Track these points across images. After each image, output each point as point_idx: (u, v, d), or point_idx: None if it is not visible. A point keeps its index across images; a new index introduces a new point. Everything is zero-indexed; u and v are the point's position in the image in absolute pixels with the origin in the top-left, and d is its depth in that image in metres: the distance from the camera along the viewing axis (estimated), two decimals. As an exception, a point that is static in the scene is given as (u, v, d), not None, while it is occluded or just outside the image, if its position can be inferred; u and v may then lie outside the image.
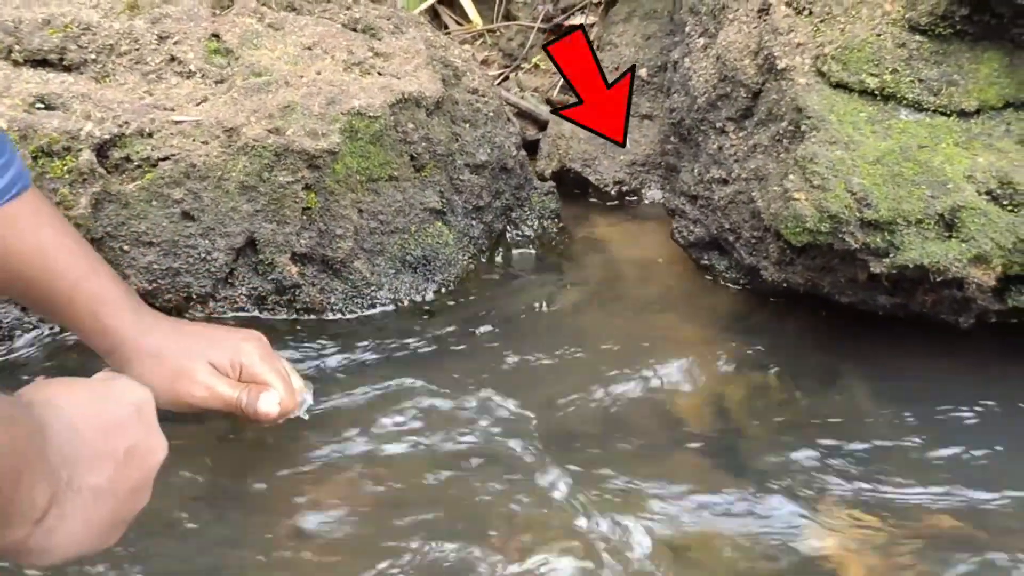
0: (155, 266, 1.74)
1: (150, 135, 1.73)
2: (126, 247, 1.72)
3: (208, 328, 1.47)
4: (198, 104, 1.79)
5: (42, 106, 1.72)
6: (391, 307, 1.88)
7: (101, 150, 1.70)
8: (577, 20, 2.66)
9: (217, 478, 1.50)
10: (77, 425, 0.87)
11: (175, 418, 1.29)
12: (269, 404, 1.35)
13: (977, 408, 1.67)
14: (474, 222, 2.03)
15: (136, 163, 1.72)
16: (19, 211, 1.24)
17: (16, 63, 1.80)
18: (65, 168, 1.67)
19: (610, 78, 2.36)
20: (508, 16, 2.74)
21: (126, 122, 1.72)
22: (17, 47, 1.80)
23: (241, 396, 1.34)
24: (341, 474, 1.53)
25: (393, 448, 1.58)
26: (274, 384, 1.37)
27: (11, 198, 1.22)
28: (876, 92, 1.69)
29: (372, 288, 1.87)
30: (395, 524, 1.43)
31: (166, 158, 1.72)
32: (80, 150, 1.67)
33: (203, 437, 1.55)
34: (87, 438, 0.88)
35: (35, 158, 1.67)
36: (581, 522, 1.43)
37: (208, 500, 1.46)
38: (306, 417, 1.49)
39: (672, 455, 1.59)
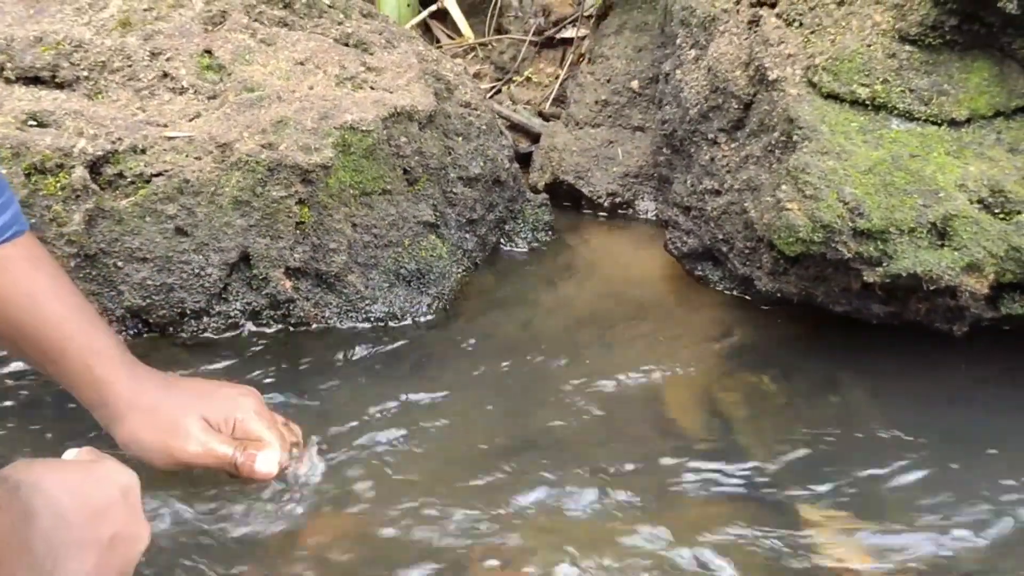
0: (149, 282, 1.73)
1: (143, 151, 1.73)
2: (120, 263, 1.72)
3: (201, 383, 1.43)
4: (191, 120, 1.79)
5: (35, 123, 1.72)
6: (385, 321, 1.88)
7: (94, 167, 1.70)
8: (568, 33, 2.67)
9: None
10: (64, 512, 0.87)
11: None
12: (267, 464, 1.32)
13: (972, 413, 1.67)
14: (468, 235, 2.03)
15: (129, 179, 1.72)
16: (13, 255, 1.23)
17: (8, 80, 1.80)
18: (58, 185, 1.66)
19: (601, 91, 2.36)
20: (500, 30, 2.74)
21: (119, 138, 1.72)
22: (9, 64, 1.80)
23: (236, 454, 1.31)
24: (344, 463, 1.53)
25: (389, 456, 1.58)
26: (271, 441, 1.34)
27: (4, 241, 1.22)
28: (867, 102, 1.69)
29: (366, 302, 1.87)
30: (385, 532, 1.43)
31: (159, 174, 1.72)
32: (73, 167, 1.67)
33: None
34: (73, 525, 0.87)
35: (28, 175, 1.67)
36: (572, 528, 1.44)
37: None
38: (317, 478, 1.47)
39: (667, 460, 1.58)
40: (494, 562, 1.38)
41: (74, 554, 0.86)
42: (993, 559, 1.40)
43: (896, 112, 1.68)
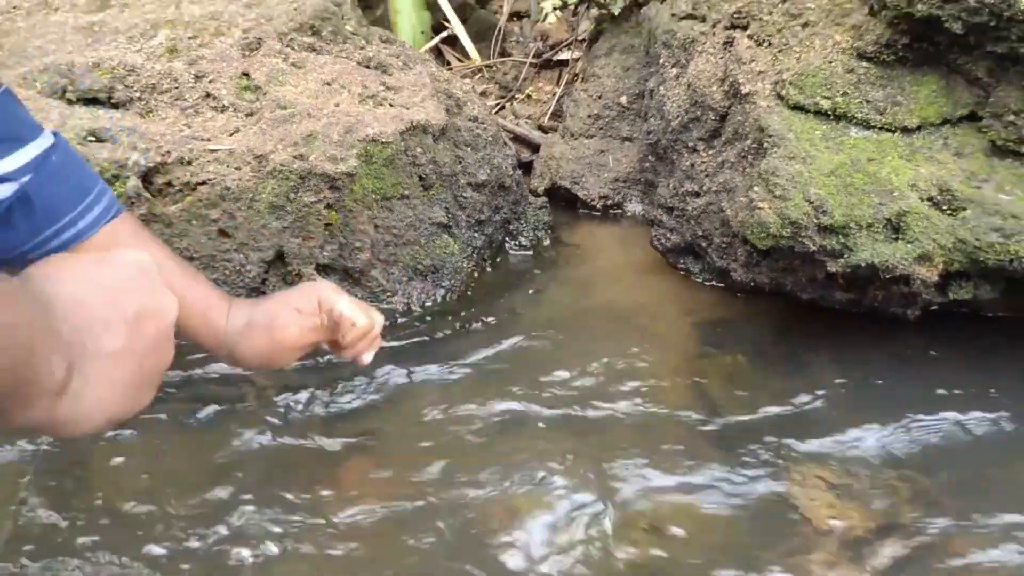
0: (196, 278, 1.74)
1: (189, 163, 1.73)
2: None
3: (284, 291, 1.40)
4: (231, 134, 1.79)
5: (93, 139, 1.72)
6: (404, 310, 1.87)
7: (146, 177, 1.71)
8: (564, 55, 2.66)
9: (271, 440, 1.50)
10: (80, 294, 0.80)
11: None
12: (349, 310, 1.30)
13: (921, 387, 1.66)
14: (477, 234, 2.03)
15: (177, 188, 1.72)
16: (122, 228, 1.22)
17: (70, 101, 1.80)
18: (115, 193, 1.66)
19: (594, 106, 2.36)
20: (503, 53, 2.73)
21: (168, 152, 1.72)
22: (71, 87, 1.80)
23: (323, 317, 1.30)
24: (374, 431, 1.54)
25: (414, 425, 1.59)
26: (342, 299, 1.32)
27: (113, 217, 1.21)
28: (829, 112, 1.69)
29: (388, 294, 1.87)
30: (412, 478, 1.45)
31: (204, 182, 1.72)
32: (128, 177, 1.67)
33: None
34: (93, 304, 0.81)
35: (88, 185, 1.66)
36: (568, 483, 1.44)
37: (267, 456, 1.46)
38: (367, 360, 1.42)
39: (655, 427, 1.58)
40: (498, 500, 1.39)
41: (101, 331, 0.80)
42: (928, 489, 1.43)
43: (855, 121, 1.68)
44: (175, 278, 1.26)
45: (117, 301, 0.82)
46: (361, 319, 1.30)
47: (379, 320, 1.33)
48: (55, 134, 1.17)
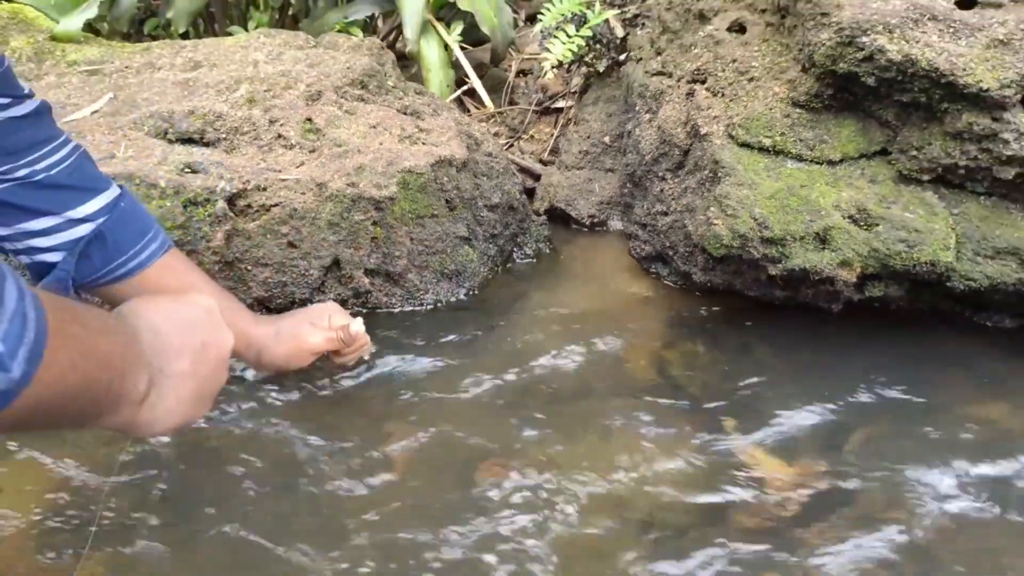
0: (269, 280, 1.74)
1: (264, 189, 1.73)
2: (249, 267, 1.73)
3: (299, 310, 1.47)
4: (297, 167, 1.80)
5: (189, 170, 1.73)
6: (433, 306, 1.88)
7: (231, 200, 1.71)
8: (560, 104, 2.67)
9: (311, 430, 1.51)
10: (160, 327, 0.83)
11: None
12: (358, 326, 1.39)
13: (844, 366, 1.67)
14: (491, 245, 2.03)
15: (255, 209, 1.73)
16: (173, 261, 1.25)
17: (170, 141, 1.81)
18: (206, 213, 1.67)
19: (583, 144, 2.36)
20: (512, 102, 2.74)
21: (247, 180, 1.73)
22: (171, 130, 1.81)
23: (337, 332, 1.38)
24: (412, 398, 1.54)
25: (436, 394, 1.59)
26: (352, 320, 1.41)
27: (167, 251, 1.23)
28: (770, 148, 1.69)
29: (420, 292, 1.87)
30: (425, 441, 1.44)
31: (276, 204, 1.73)
32: (216, 201, 1.68)
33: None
34: (170, 336, 0.84)
35: (185, 206, 1.67)
36: (556, 447, 1.45)
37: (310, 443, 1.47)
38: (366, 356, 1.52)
39: (626, 401, 1.59)
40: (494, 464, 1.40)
41: (174, 357, 0.83)
42: (854, 446, 1.42)
43: (790, 155, 1.69)
44: (215, 297, 1.27)
45: (189, 333, 0.86)
46: (364, 336, 1.40)
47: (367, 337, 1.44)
48: (121, 187, 1.20)
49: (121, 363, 0.75)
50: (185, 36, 2.53)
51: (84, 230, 1.13)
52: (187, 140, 1.82)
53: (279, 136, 1.85)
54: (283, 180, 1.74)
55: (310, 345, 1.36)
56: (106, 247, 1.16)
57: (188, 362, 0.85)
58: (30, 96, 1.09)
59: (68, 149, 1.12)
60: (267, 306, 1.79)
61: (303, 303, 1.79)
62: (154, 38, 2.70)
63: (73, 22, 2.16)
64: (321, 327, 1.37)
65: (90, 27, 2.25)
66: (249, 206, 1.72)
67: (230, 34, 2.50)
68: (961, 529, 1.29)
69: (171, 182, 1.67)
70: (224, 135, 1.83)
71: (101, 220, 1.14)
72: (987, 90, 1.50)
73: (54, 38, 2.14)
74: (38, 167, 1.08)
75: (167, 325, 0.84)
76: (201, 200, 1.67)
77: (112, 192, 1.17)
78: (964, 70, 1.50)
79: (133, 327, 0.81)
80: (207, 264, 1.68)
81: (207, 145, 1.82)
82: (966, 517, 1.31)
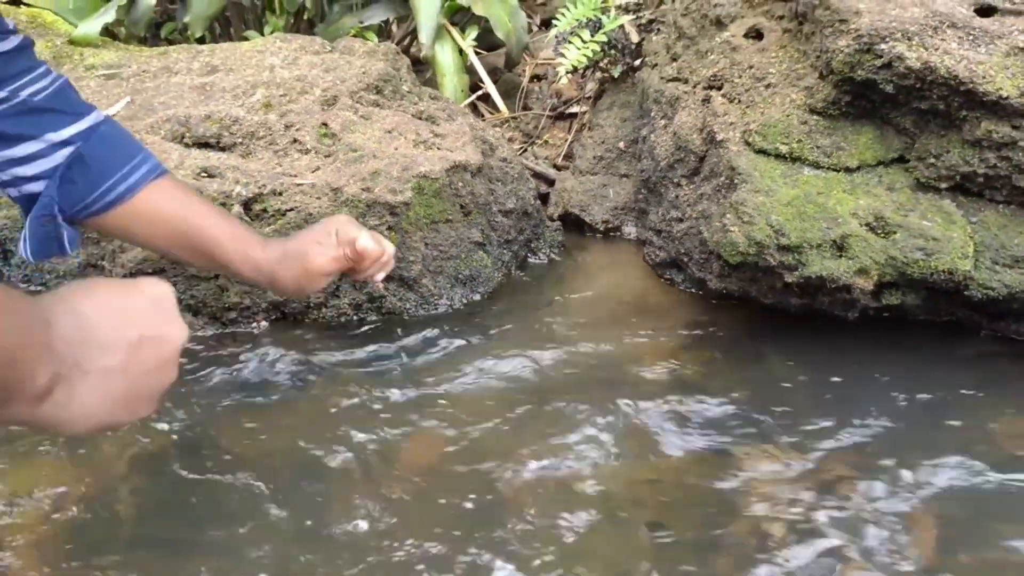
0: (285, 284, 1.75)
1: (280, 194, 1.74)
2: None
3: (309, 228, 1.30)
4: (313, 171, 1.80)
5: (206, 175, 1.74)
6: (448, 310, 1.88)
7: (247, 204, 1.72)
8: (574, 109, 2.66)
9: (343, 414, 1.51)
10: (89, 315, 0.72)
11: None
12: (366, 240, 1.21)
13: (857, 374, 1.65)
14: (505, 251, 2.03)
15: (271, 213, 1.73)
16: (168, 185, 1.18)
17: (187, 145, 1.82)
18: (222, 217, 1.68)
19: (598, 149, 2.36)
20: (526, 107, 2.74)
21: (263, 185, 1.74)
22: (188, 134, 1.82)
23: (344, 249, 1.21)
24: (427, 401, 1.55)
25: (449, 396, 1.60)
26: (361, 233, 1.22)
27: (158, 176, 1.16)
28: (787, 155, 1.68)
29: (435, 297, 1.87)
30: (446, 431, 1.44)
31: (291, 209, 1.73)
32: (232, 204, 1.69)
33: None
34: (99, 327, 0.73)
35: (201, 211, 1.68)
36: (569, 451, 1.45)
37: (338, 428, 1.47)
38: (380, 279, 1.31)
39: (641, 406, 1.58)
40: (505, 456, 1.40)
41: (99, 351, 0.72)
42: (871, 456, 1.42)
43: (807, 162, 1.68)
44: (216, 221, 1.20)
45: (123, 325, 0.74)
46: (375, 249, 1.22)
47: (390, 248, 1.25)
48: (106, 115, 1.14)
49: (12, 348, 0.65)
50: (201, 40, 2.54)
51: (65, 155, 1.09)
52: (203, 144, 1.82)
53: (295, 141, 1.85)
54: (299, 185, 1.75)
55: (317, 266, 1.22)
56: (90, 171, 1.11)
57: (117, 358, 0.74)
58: (14, 32, 1.07)
59: (51, 78, 1.09)
60: (282, 310, 1.79)
61: (318, 307, 1.79)
62: (171, 42, 2.71)
63: (91, 26, 2.17)
64: (328, 245, 1.22)
65: (108, 31, 2.26)
66: (265, 210, 1.73)
67: (246, 39, 2.51)
68: (984, 543, 1.27)
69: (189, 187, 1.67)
70: (240, 139, 1.83)
71: (81, 143, 1.10)
72: (1007, 98, 1.49)
73: (72, 42, 2.15)
74: (21, 94, 1.05)
75: (97, 314, 0.74)
76: (218, 204, 1.67)
77: (95, 117, 1.12)
78: (983, 78, 1.49)
79: (47, 312, 0.71)
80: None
81: (223, 149, 1.83)
82: (988, 528, 1.30)
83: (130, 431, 1.48)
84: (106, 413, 0.74)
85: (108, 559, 1.24)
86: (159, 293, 0.78)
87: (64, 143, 1.08)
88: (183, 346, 0.77)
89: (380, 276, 1.27)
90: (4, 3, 2.25)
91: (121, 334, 0.74)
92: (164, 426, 1.50)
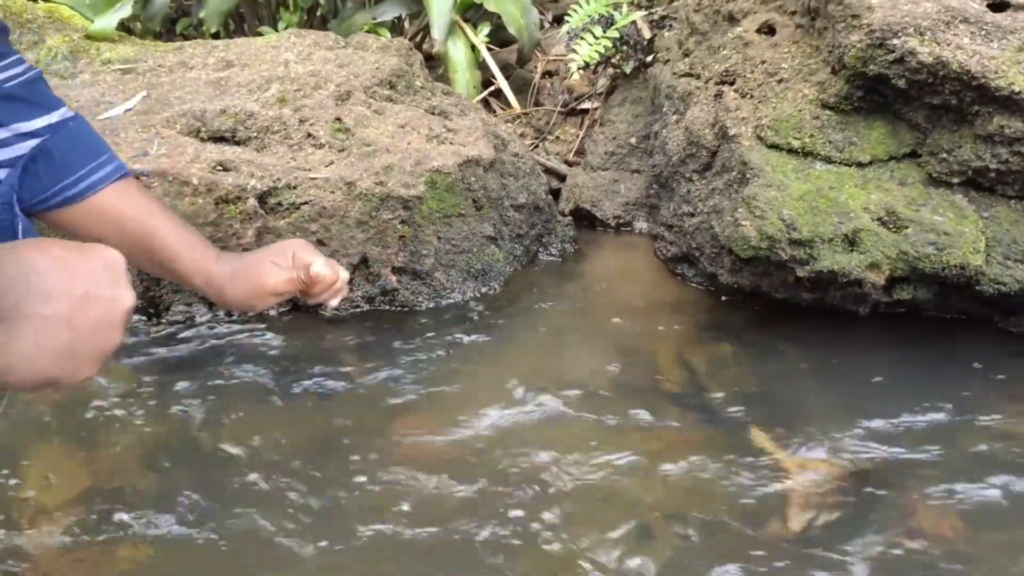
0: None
1: (294, 187, 1.75)
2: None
3: (265, 247, 1.29)
4: (327, 166, 1.81)
5: (221, 169, 1.75)
6: (460, 304, 1.89)
7: (261, 198, 1.73)
8: (586, 105, 2.67)
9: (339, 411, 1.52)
10: (35, 264, 0.72)
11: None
12: (321, 266, 1.20)
13: (869, 368, 1.66)
14: (517, 245, 2.04)
15: (285, 207, 1.74)
16: (130, 188, 1.16)
17: (203, 139, 1.83)
18: (237, 211, 1.69)
19: (609, 145, 2.36)
20: (538, 103, 2.74)
21: (278, 179, 1.75)
22: (203, 128, 1.83)
23: (299, 272, 1.20)
24: (440, 393, 1.56)
25: (467, 383, 1.61)
26: (317, 259, 1.22)
27: (121, 177, 1.15)
28: (799, 150, 1.69)
29: (447, 291, 1.88)
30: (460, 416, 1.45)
31: (305, 203, 1.74)
32: (247, 198, 1.70)
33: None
34: (45, 275, 0.72)
35: (216, 204, 1.69)
36: (578, 447, 1.46)
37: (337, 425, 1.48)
38: (334, 304, 1.29)
39: (653, 399, 1.59)
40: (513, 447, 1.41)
41: (42, 297, 0.71)
42: (883, 452, 1.43)
43: (819, 157, 1.68)
44: (174, 229, 1.19)
45: (71, 280, 0.74)
46: (329, 275, 1.21)
47: (343, 275, 1.24)
48: (75, 113, 1.14)
49: None
50: (216, 36, 2.56)
51: (31, 146, 1.08)
52: (219, 138, 1.84)
53: (309, 135, 1.86)
54: (313, 179, 1.76)
55: (269, 286, 1.21)
56: (54, 165, 1.10)
57: (62, 308, 0.73)
58: None
59: (24, 67, 1.08)
60: (296, 303, 1.80)
61: (331, 300, 1.80)
62: (186, 37, 2.73)
63: (107, 21, 2.19)
64: (283, 266, 1.21)
65: (124, 26, 2.28)
66: (279, 204, 1.74)
67: (260, 34, 2.53)
68: (998, 540, 1.27)
69: (203, 180, 1.69)
70: (255, 134, 1.84)
71: (47, 137, 1.09)
72: (1019, 93, 1.48)
73: (89, 37, 2.17)
74: None
75: (46, 265, 0.73)
76: (232, 198, 1.69)
77: (64, 112, 1.12)
78: (996, 73, 1.49)
79: None
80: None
81: (238, 144, 1.84)
82: (1002, 527, 1.30)
83: (139, 423, 1.49)
84: (47, 365, 0.73)
85: (126, 540, 1.25)
86: (112, 258, 0.78)
87: (31, 134, 1.08)
88: (130, 314, 0.77)
89: (334, 302, 1.27)
90: (22, -1, 2.27)
91: (68, 286, 0.73)
92: (174, 416, 1.51)
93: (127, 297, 0.77)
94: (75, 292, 0.73)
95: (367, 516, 1.30)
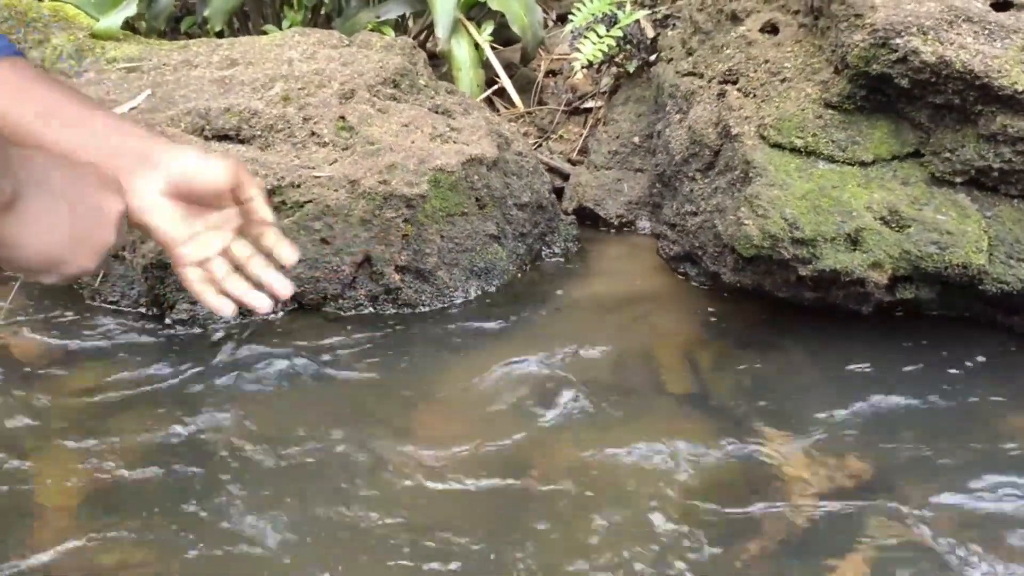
0: (302, 275, 1.76)
1: (298, 186, 1.76)
2: (283, 262, 1.74)
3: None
4: (331, 164, 1.82)
5: (225, 167, 1.75)
6: (463, 302, 1.89)
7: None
8: (589, 104, 2.67)
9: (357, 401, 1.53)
10: (42, 158, 0.76)
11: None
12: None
13: (869, 367, 1.66)
14: (520, 244, 2.04)
15: (289, 205, 1.75)
16: (20, 64, 0.92)
17: (207, 137, 1.84)
18: (241, 209, 1.69)
19: (613, 144, 2.36)
20: (541, 102, 2.75)
21: (282, 177, 1.75)
22: (207, 126, 1.84)
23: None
24: (443, 392, 1.56)
25: (471, 382, 1.62)
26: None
27: (10, 55, 0.92)
28: (801, 149, 1.69)
29: (450, 289, 1.89)
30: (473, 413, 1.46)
31: (309, 201, 1.75)
32: (251, 196, 1.70)
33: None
34: (48, 158, 0.77)
35: (221, 202, 1.69)
36: (583, 445, 1.46)
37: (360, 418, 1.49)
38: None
39: (655, 397, 1.60)
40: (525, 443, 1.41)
41: (48, 171, 0.75)
42: (886, 451, 1.44)
43: (822, 156, 1.68)
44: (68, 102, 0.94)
45: (74, 175, 0.78)
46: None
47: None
48: None
49: None
50: (220, 34, 2.56)
51: None
52: (223, 137, 1.85)
53: (313, 134, 1.87)
54: (316, 177, 1.77)
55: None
56: None
57: (67, 189, 0.77)
58: None
59: None
60: (299, 301, 1.81)
61: (335, 299, 1.81)
62: (190, 36, 2.73)
63: (112, 20, 2.20)
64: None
65: (129, 25, 2.28)
66: (283, 202, 1.75)
67: (265, 33, 2.53)
68: (1001, 540, 1.28)
69: (207, 178, 1.69)
70: (259, 132, 1.85)
71: None
72: (1022, 92, 1.48)
73: (94, 35, 2.17)
74: None
75: (52, 161, 0.77)
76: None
77: None
78: (999, 72, 1.49)
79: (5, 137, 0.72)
80: (242, 259, 1.70)
81: (243, 142, 1.85)
82: (1007, 529, 1.30)
83: (143, 424, 1.49)
84: (53, 243, 0.76)
85: (133, 540, 1.26)
86: (103, 173, 0.82)
87: None
88: (121, 218, 0.81)
89: (262, 305, 0.99)
90: (27, -3, 2.28)
91: (80, 176, 0.78)
92: (178, 417, 1.52)
93: (119, 202, 0.81)
94: (86, 181, 0.78)
95: (374, 519, 1.31)
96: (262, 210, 0.97)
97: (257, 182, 0.97)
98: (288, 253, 1.01)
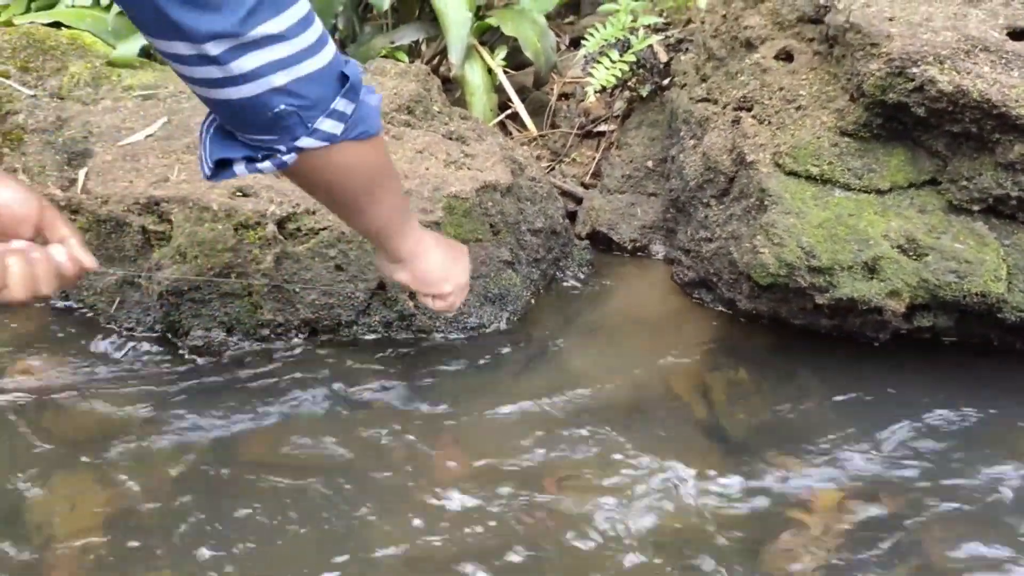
0: (316, 302, 1.77)
1: (313, 213, 1.76)
2: (297, 289, 1.75)
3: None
4: (346, 191, 1.82)
5: (240, 194, 1.76)
6: (477, 329, 1.89)
7: (281, 224, 1.74)
8: (602, 128, 2.67)
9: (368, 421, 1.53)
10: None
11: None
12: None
13: (889, 397, 1.65)
14: (534, 269, 2.04)
15: (304, 232, 1.75)
16: (381, 141, 1.14)
17: (223, 165, 1.84)
18: (257, 236, 1.70)
19: (626, 168, 2.36)
20: (554, 125, 2.75)
21: (297, 204, 1.76)
22: (224, 154, 1.84)
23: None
24: (458, 418, 1.55)
25: (484, 409, 1.61)
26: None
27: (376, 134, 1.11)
28: (817, 177, 1.68)
29: (464, 316, 1.88)
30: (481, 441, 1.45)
31: (324, 228, 1.75)
32: (267, 224, 1.71)
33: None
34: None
35: (236, 229, 1.70)
36: (597, 473, 1.45)
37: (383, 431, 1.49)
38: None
39: (670, 425, 1.59)
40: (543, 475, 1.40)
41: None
42: (903, 483, 1.42)
43: (838, 184, 1.68)
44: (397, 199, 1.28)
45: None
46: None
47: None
48: None
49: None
50: (235, 60, 2.58)
51: None
52: (239, 164, 1.85)
53: (328, 160, 1.87)
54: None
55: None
56: None
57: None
58: None
59: None
60: (313, 327, 1.81)
61: (349, 326, 1.81)
62: (205, 61, 2.75)
63: (129, 47, 2.22)
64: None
65: (145, 52, 2.30)
66: (298, 229, 1.75)
67: (279, 58, 2.55)
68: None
69: (223, 205, 1.70)
70: (275, 159, 1.85)
71: None
72: (1040, 121, 1.48)
73: (111, 63, 2.19)
74: None
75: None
76: (252, 223, 1.70)
77: None
78: (1017, 101, 1.49)
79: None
80: (257, 286, 1.71)
81: (258, 169, 1.85)
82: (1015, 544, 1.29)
83: (161, 450, 1.49)
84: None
85: (151, 567, 1.26)
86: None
87: None
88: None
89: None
90: (44, 25, 2.30)
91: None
92: (195, 443, 1.52)
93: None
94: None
95: (391, 541, 1.31)
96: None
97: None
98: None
